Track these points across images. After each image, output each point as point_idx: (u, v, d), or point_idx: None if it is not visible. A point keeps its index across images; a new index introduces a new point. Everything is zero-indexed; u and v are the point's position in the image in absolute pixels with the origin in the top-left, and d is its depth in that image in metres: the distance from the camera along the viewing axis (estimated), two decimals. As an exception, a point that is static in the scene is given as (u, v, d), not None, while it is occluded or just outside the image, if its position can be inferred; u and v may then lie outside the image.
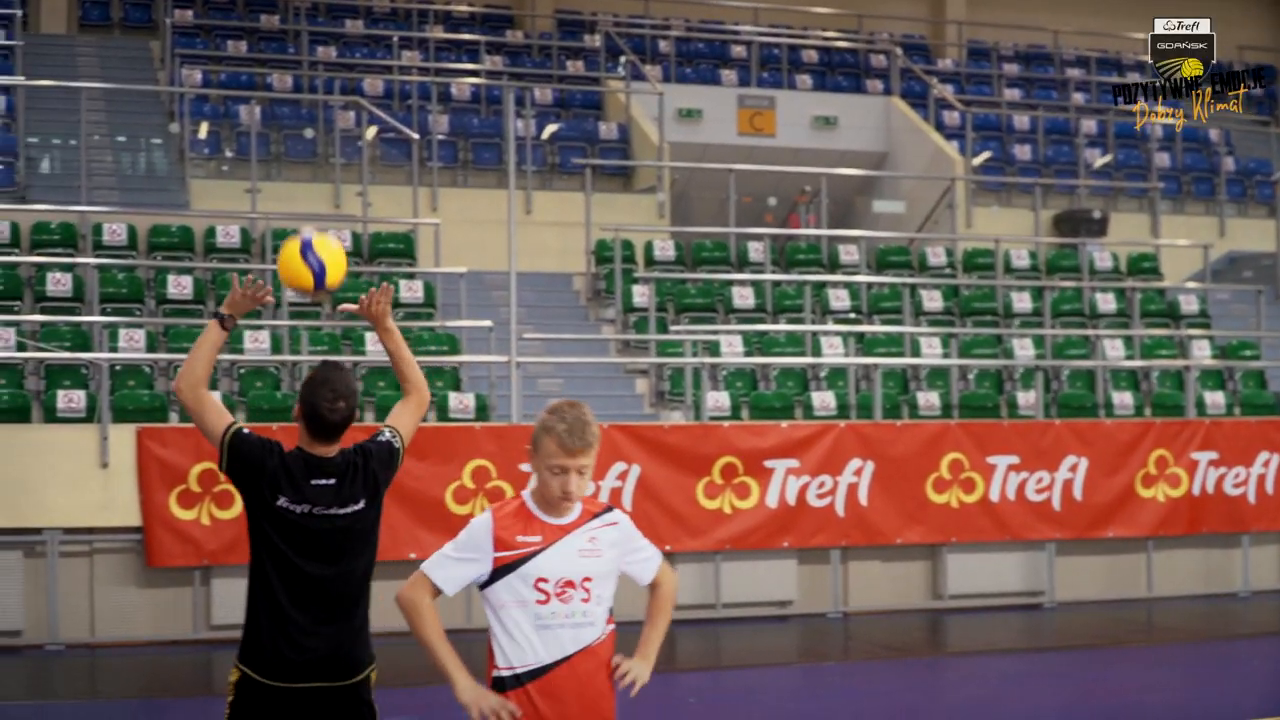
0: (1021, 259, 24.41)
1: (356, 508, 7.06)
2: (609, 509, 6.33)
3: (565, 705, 6.07)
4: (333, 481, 7.00)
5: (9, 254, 19.72)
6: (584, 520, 6.21)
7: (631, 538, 6.34)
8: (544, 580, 6.08)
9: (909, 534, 18.39)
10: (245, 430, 7.03)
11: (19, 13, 24.57)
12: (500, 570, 6.12)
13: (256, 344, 18.44)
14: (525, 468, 16.70)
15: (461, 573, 6.21)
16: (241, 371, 18.37)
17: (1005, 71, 32.30)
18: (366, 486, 7.08)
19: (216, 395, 7.48)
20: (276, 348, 18.69)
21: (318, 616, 7.00)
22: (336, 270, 7.02)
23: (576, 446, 6.05)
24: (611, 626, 6.22)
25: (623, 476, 17.07)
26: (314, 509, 6.95)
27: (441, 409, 18.16)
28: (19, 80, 22.36)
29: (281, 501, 6.91)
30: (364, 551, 7.20)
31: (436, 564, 6.27)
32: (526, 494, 6.23)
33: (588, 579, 6.12)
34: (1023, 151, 28.56)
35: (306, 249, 6.96)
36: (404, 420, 7.37)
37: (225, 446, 6.97)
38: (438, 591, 6.26)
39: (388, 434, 7.26)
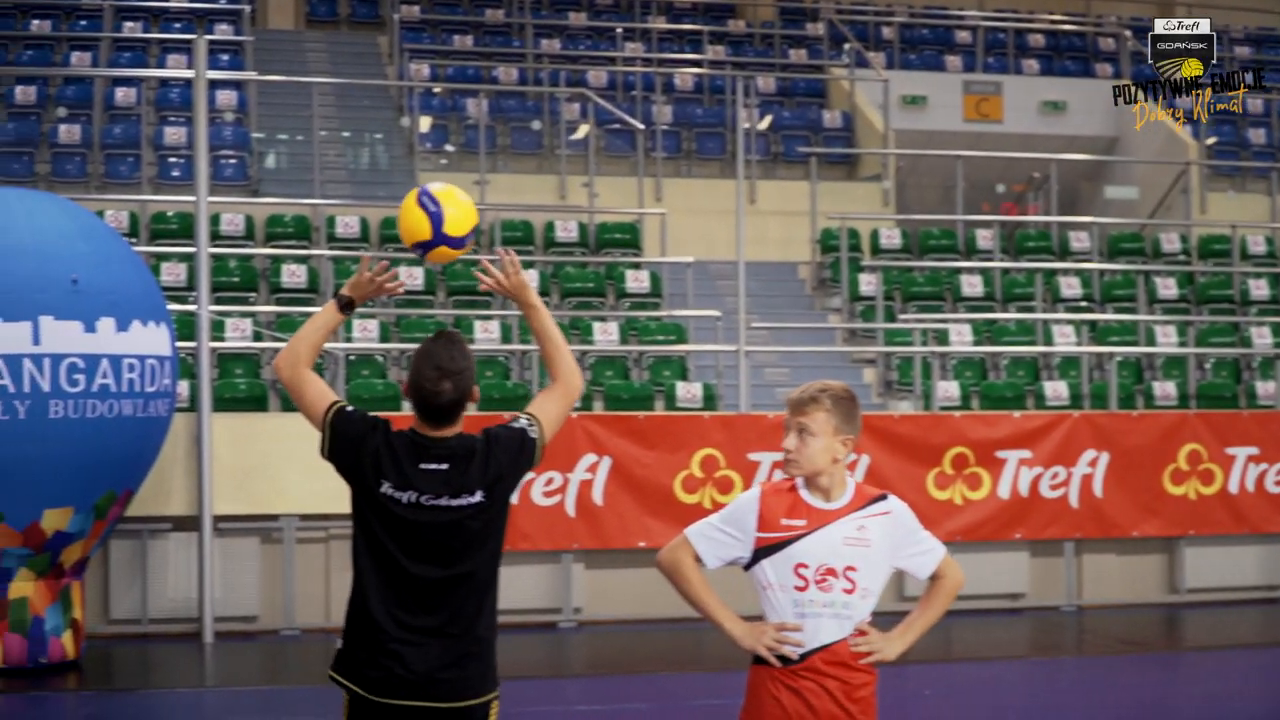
0: (1258, 245, 23.84)
1: (472, 500, 6.13)
2: (883, 496, 6.13)
3: (823, 693, 5.94)
4: (444, 467, 6.12)
5: (244, 246, 20.10)
6: (854, 507, 6.05)
7: (909, 530, 6.14)
8: (804, 566, 5.93)
9: (1145, 526, 18.02)
10: (349, 408, 6.24)
11: (248, 8, 24.97)
12: (761, 551, 6.01)
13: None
14: (754, 456, 16.68)
15: (723, 549, 6.11)
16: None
17: (1236, 54, 31.56)
18: (486, 476, 6.16)
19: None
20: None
21: (423, 625, 6.09)
22: (459, 220, 6.24)
23: (795, 406, 6.02)
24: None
25: (852, 466, 16.87)
26: (422, 497, 6.09)
27: (670, 398, 18.19)
28: (250, 76, 22.75)
29: (385, 488, 6.09)
30: (480, 553, 6.20)
31: (700, 532, 6.18)
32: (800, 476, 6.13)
33: (851, 568, 5.94)
34: (1257, 135, 27.89)
35: (424, 194, 6.24)
36: (546, 409, 6.44)
37: (327, 427, 6.20)
38: (699, 559, 6.15)
39: (523, 421, 6.34)
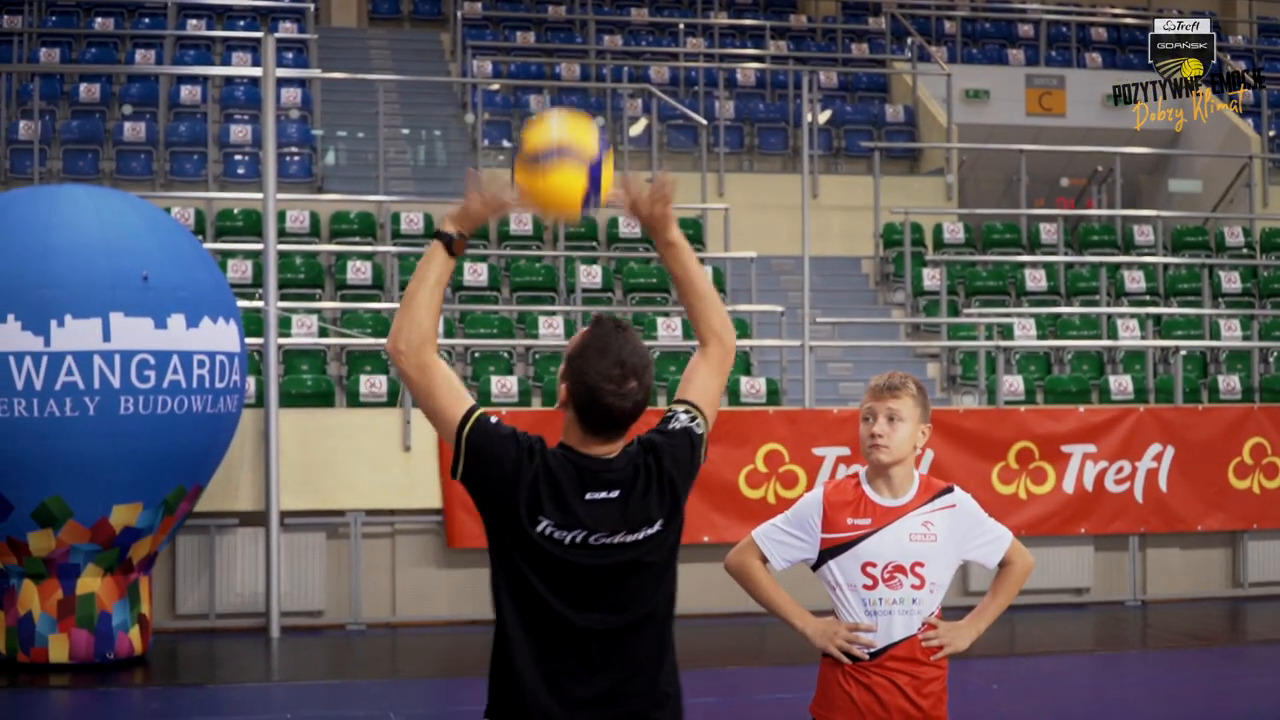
0: (1322, 238, 23.74)
1: (651, 531, 4.90)
2: (949, 489, 6.14)
3: (893, 688, 5.95)
4: (615, 495, 4.84)
5: (309, 243, 20.20)
6: (920, 502, 6.06)
7: (975, 521, 6.14)
8: (871, 565, 5.94)
9: (1210, 521, 17.95)
10: (492, 419, 4.87)
11: (311, 6, 25.08)
12: (827, 552, 6.02)
13: None
14: (819, 451, 16.68)
15: (789, 551, 6.13)
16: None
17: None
18: (664, 500, 4.92)
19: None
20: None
21: (597, 686, 4.85)
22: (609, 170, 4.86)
23: (884, 391, 6.03)
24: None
25: (917, 461, 16.87)
26: (591, 537, 4.82)
27: (734, 393, 18.17)
28: (315, 73, 22.85)
29: (544, 526, 4.79)
30: (659, 591, 4.98)
31: (766, 533, 6.20)
32: (864, 471, 6.13)
33: (919, 564, 5.95)
34: (1320, 128, 27.74)
35: (554, 154, 4.76)
36: (703, 388, 5.12)
37: (463, 444, 4.82)
38: (766, 559, 6.17)
39: (683, 417, 5.03)
